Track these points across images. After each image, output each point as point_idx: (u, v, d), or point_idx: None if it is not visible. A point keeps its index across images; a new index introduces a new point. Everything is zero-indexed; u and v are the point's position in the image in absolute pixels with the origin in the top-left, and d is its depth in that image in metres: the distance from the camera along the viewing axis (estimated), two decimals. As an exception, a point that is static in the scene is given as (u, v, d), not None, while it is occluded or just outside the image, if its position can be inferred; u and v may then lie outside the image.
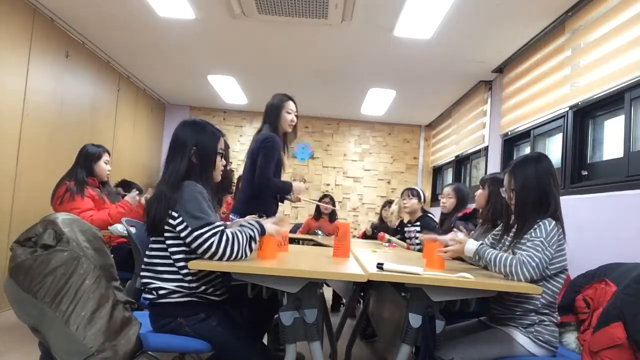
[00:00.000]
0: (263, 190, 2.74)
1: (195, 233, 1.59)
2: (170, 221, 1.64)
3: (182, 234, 1.62)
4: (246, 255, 1.67)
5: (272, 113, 2.86)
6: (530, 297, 1.75)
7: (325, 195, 5.29)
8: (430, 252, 1.89)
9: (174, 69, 5.29)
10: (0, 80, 3.40)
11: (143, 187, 4.70)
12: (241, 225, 1.75)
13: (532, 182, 1.82)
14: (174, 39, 4.29)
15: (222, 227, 1.64)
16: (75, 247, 1.48)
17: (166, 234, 1.67)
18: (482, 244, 1.85)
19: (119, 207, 2.95)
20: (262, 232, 1.77)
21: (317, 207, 5.21)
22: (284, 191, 2.89)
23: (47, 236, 1.47)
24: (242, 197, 2.86)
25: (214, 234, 1.59)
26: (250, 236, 1.70)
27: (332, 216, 5.18)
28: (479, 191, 2.68)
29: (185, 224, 1.61)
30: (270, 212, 2.71)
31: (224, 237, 1.60)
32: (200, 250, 1.60)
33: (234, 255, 1.61)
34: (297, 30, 3.89)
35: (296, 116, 2.92)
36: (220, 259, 1.60)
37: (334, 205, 5.19)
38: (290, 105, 2.89)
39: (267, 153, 2.71)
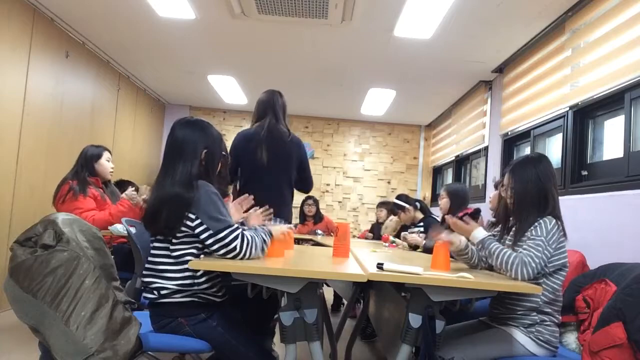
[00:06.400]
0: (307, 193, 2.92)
1: (219, 235, 1.64)
2: (188, 223, 1.66)
3: (202, 236, 1.65)
4: (258, 257, 1.75)
5: (284, 111, 2.84)
6: (531, 295, 1.76)
7: (308, 197, 5.17)
8: (436, 253, 1.89)
9: (174, 69, 5.29)
10: (0, 80, 3.40)
11: (142, 186, 4.71)
12: (255, 230, 1.82)
13: (532, 182, 1.85)
14: (174, 39, 4.29)
15: (240, 229, 1.70)
16: (75, 247, 1.48)
17: (178, 235, 1.68)
18: (490, 235, 1.90)
19: (119, 206, 2.96)
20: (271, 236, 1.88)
21: (301, 211, 5.24)
22: None
23: (47, 236, 1.47)
24: (284, 201, 2.74)
25: (236, 237, 1.66)
26: (264, 240, 1.79)
27: (316, 218, 5.21)
28: (494, 192, 2.68)
29: (205, 226, 1.65)
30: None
31: (245, 239, 1.67)
32: (222, 252, 1.64)
33: (251, 256, 1.69)
34: (297, 30, 3.89)
35: None
36: (242, 258, 1.67)
37: (317, 207, 5.22)
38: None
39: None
